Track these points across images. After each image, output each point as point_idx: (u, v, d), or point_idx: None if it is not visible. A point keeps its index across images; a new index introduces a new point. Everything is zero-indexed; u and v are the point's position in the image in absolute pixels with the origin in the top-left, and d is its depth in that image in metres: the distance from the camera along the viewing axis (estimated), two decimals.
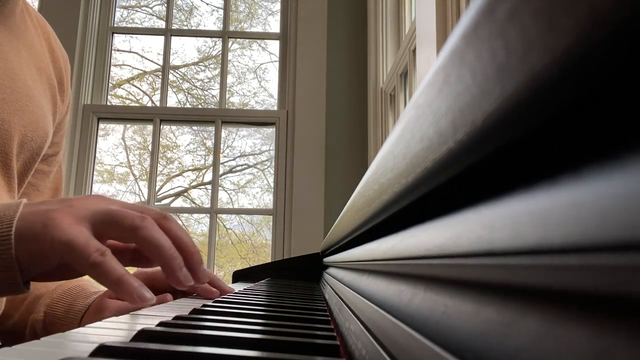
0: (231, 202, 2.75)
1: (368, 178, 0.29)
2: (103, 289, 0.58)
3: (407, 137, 0.17)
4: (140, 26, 2.63)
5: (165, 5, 2.41)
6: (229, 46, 2.48)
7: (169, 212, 2.58)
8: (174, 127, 2.64)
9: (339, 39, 2.16)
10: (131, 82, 2.86)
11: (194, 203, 2.80)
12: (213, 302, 0.48)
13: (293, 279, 1.07)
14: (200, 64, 2.76)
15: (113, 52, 2.36)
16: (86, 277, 0.47)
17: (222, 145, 2.37)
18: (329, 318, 0.41)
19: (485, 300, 0.11)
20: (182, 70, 2.77)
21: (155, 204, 2.42)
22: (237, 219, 2.92)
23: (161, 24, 2.55)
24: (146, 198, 2.24)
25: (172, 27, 2.41)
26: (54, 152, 0.67)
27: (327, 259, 0.85)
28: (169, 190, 2.88)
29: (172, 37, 2.40)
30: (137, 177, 2.81)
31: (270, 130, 2.33)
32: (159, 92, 2.40)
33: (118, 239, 0.44)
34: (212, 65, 2.72)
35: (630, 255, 0.06)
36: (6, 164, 0.56)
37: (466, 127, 0.11)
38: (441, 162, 0.13)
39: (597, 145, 0.08)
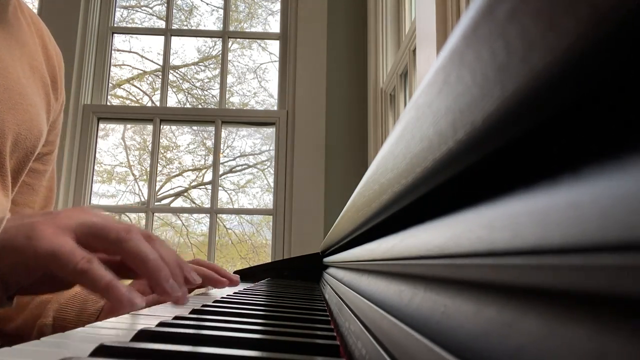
0: (231, 202, 2.75)
1: (368, 178, 0.29)
2: None
3: (407, 137, 0.17)
4: (140, 26, 2.63)
5: (165, 5, 2.41)
6: (229, 46, 2.48)
7: (169, 212, 2.58)
8: (174, 127, 2.64)
9: (339, 39, 2.16)
10: (131, 82, 2.86)
11: (194, 203, 2.80)
12: (213, 302, 0.48)
13: (293, 279, 1.07)
14: (200, 64, 2.76)
15: (113, 52, 2.36)
16: None
17: (222, 145, 2.37)
18: (329, 318, 0.41)
19: (485, 300, 0.11)
20: (182, 70, 2.77)
21: (155, 204, 2.42)
22: (237, 219, 2.92)
23: (161, 24, 2.55)
24: (146, 198, 2.24)
25: (172, 27, 2.41)
26: (49, 150, 0.67)
27: (327, 259, 0.85)
28: (168, 190, 2.88)
29: (172, 37, 2.40)
30: (137, 177, 2.82)
31: (270, 130, 2.34)
32: (159, 92, 2.40)
33: (102, 251, 0.43)
34: (212, 65, 2.72)
35: (630, 255, 0.06)
36: (0, 163, 0.56)
37: (466, 127, 0.11)
38: (441, 162, 0.13)
39: (597, 145, 0.08)
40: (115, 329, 0.34)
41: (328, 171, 2.04)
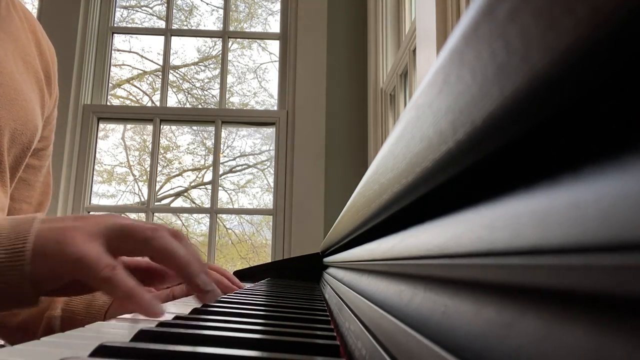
0: (231, 202, 2.75)
1: (368, 178, 0.29)
2: None
3: (407, 137, 0.17)
4: (140, 26, 2.63)
5: (165, 5, 2.41)
6: (229, 46, 2.48)
7: (169, 212, 2.58)
8: (174, 127, 2.64)
9: (339, 39, 2.16)
10: (131, 82, 2.86)
11: (194, 203, 2.80)
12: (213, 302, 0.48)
13: (293, 279, 1.07)
14: (200, 64, 2.76)
15: (113, 52, 2.36)
16: None
17: (222, 145, 2.37)
18: (329, 318, 0.41)
19: (485, 300, 0.11)
20: (182, 70, 2.77)
21: (155, 204, 2.42)
22: (237, 219, 2.92)
23: (161, 24, 2.55)
24: (146, 198, 2.24)
25: (172, 27, 2.41)
26: (44, 146, 0.67)
27: (327, 259, 0.85)
28: (168, 190, 2.88)
29: (172, 37, 2.40)
30: (137, 177, 2.82)
31: (270, 130, 2.34)
32: (159, 92, 2.40)
33: (132, 252, 0.44)
34: (212, 65, 2.72)
35: (630, 255, 0.06)
36: None
37: (466, 127, 0.11)
38: (441, 162, 0.13)
39: (597, 145, 0.08)
40: (115, 329, 0.34)
41: (328, 171, 2.04)
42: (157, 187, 2.54)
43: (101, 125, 2.28)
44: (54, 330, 0.59)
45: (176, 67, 2.73)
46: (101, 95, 2.23)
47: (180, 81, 2.79)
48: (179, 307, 0.51)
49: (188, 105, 2.72)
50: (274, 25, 2.54)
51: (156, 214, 2.22)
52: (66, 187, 2.05)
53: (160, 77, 2.35)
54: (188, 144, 2.68)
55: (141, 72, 2.77)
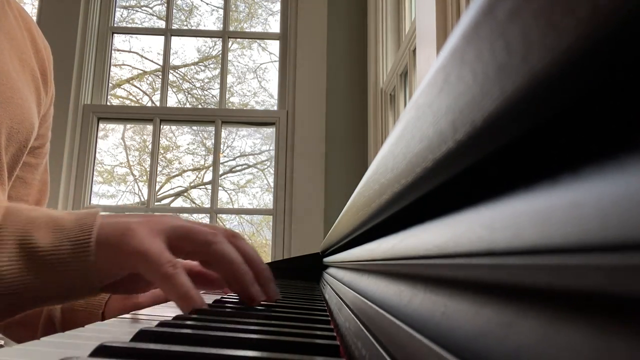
0: (231, 202, 2.75)
1: (368, 178, 0.29)
2: None
3: (407, 137, 0.17)
4: (140, 26, 2.63)
5: (165, 5, 2.41)
6: (229, 46, 2.48)
7: (169, 212, 2.58)
8: (174, 127, 2.64)
9: (339, 39, 2.16)
10: (131, 82, 2.86)
11: (194, 203, 2.80)
12: (213, 303, 0.48)
13: (293, 279, 1.07)
14: (200, 64, 2.76)
15: (113, 52, 2.36)
16: None
17: (222, 145, 2.37)
18: (329, 318, 0.41)
19: (485, 300, 0.11)
20: (182, 70, 2.77)
21: (155, 204, 2.42)
22: (237, 219, 2.92)
23: (161, 24, 2.55)
24: (146, 198, 2.24)
25: (172, 27, 2.41)
26: (40, 144, 0.67)
27: (327, 259, 0.85)
28: (168, 190, 2.88)
29: (172, 37, 2.40)
30: (137, 177, 2.82)
31: (270, 130, 2.34)
32: (159, 92, 2.40)
33: (190, 254, 0.45)
34: (212, 65, 2.72)
35: (630, 255, 0.06)
36: None
37: (466, 127, 0.11)
38: (441, 162, 0.13)
39: (597, 145, 0.08)
40: (115, 329, 0.34)
41: (328, 171, 2.04)
42: (157, 187, 2.54)
43: (101, 125, 2.28)
44: (54, 321, 0.59)
45: (176, 67, 2.73)
46: (101, 95, 2.23)
47: (180, 81, 2.79)
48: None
49: (188, 105, 2.72)
50: (274, 25, 2.54)
51: (155, 215, 2.22)
52: (66, 187, 2.05)
53: (160, 77, 2.35)
54: (188, 144, 2.68)
55: (141, 72, 2.77)
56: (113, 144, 2.72)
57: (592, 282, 0.07)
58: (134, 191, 2.78)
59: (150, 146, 2.25)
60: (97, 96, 2.21)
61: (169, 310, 0.47)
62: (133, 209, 2.54)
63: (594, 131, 0.09)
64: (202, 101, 2.78)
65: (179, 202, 2.86)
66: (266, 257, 2.74)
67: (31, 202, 0.67)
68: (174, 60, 2.71)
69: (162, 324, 0.31)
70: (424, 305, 0.16)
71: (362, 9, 2.17)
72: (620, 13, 0.06)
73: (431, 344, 0.13)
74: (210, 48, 2.72)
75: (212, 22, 2.64)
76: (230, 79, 2.51)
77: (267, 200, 2.55)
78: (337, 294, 0.47)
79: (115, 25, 2.35)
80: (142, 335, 0.26)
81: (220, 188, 2.47)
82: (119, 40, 2.58)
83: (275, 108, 2.28)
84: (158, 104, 2.35)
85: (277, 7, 2.44)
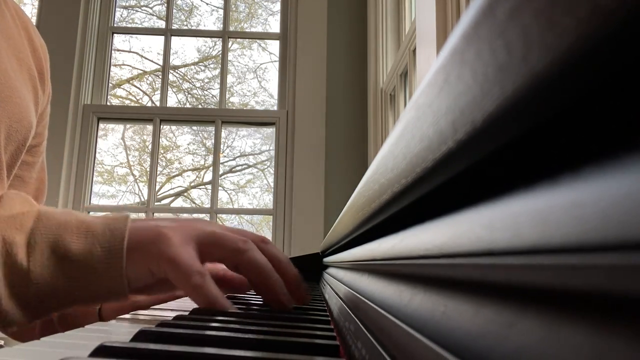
0: (231, 202, 2.75)
1: (368, 178, 0.29)
2: None
3: (407, 137, 0.17)
4: (140, 26, 2.63)
5: (165, 5, 2.41)
6: (229, 46, 2.48)
7: (169, 212, 2.58)
8: (174, 127, 2.64)
9: (339, 39, 2.16)
10: (131, 82, 2.86)
11: (194, 203, 2.80)
12: None
13: None
14: (200, 64, 2.76)
15: (113, 52, 2.36)
16: None
17: (222, 145, 2.37)
18: (329, 318, 0.41)
19: (485, 300, 0.11)
20: (182, 70, 2.77)
21: (155, 204, 2.42)
22: (237, 219, 2.92)
23: (161, 24, 2.55)
24: (146, 198, 2.24)
25: (172, 27, 2.41)
26: (38, 142, 0.67)
27: (327, 259, 0.85)
28: (168, 190, 2.88)
29: (172, 37, 2.40)
30: (137, 177, 2.82)
31: (270, 130, 2.34)
32: (159, 92, 2.40)
33: (220, 260, 0.46)
34: (212, 65, 2.72)
35: (630, 255, 0.06)
36: None
37: (466, 127, 0.11)
38: (441, 162, 0.13)
39: (597, 145, 0.08)
40: (115, 329, 0.34)
41: (328, 171, 2.04)
42: (157, 187, 2.53)
43: (101, 125, 2.28)
44: (52, 320, 0.59)
45: (176, 67, 2.74)
46: (101, 95, 2.23)
47: (180, 81, 2.79)
48: (179, 307, 0.51)
49: (188, 105, 2.72)
50: (274, 25, 2.54)
51: (156, 214, 2.22)
52: (66, 187, 2.05)
53: (160, 77, 2.35)
54: (188, 144, 2.68)
55: (141, 72, 2.77)
56: (113, 144, 2.72)
57: (592, 282, 0.07)
58: (134, 191, 2.78)
59: (150, 146, 2.25)
60: (97, 96, 2.21)
61: (169, 310, 0.47)
62: (133, 209, 2.54)
63: (594, 131, 0.09)
64: (202, 101, 2.78)
65: (179, 202, 2.86)
66: None
67: None
68: (174, 60, 2.71)
69: (162, 324, 0.31)
70: (424, 305, 0.16)
71: (362, 9, 2.17)
72: (620, 13, 0.06)
73: (431, 343, 0.13)
74: (210, 48, 2.72)
75: (212, 22, 2.64)
76: (230, 79, 2.51)
77: (267, 200, 2.55)
78: (337, 293, 0.47)
79: (115, 25, 2.35)
80: (142, 335, 0.26)
81: (220, 188, 2.47)
82: (119, 40, 2.58)
83: (275, 108, 2.28)
84: (158, 104, 2.35)
85: (277, 7, 2.44)
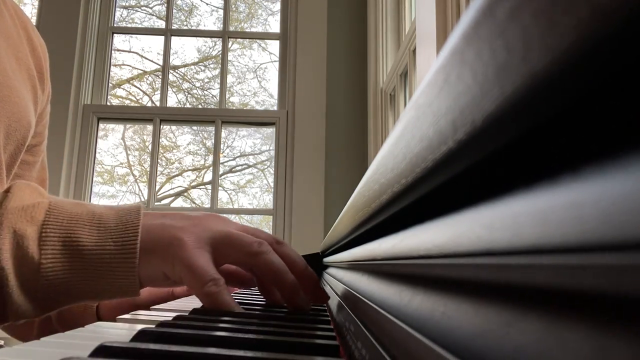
0: (231, 202, 2.75)
1: (368, 178, 0.29)
2: None
3: (407, 137, 0.17)
4: (140, 26, 2.63)
5: (165, 5, 2.41)
6: (229, 46, 2.48)
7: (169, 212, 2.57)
8: (174, 127, 2.64)
9: (339, 39, 2.16)
10: (131, 82, 2.86)
11: (194, 203, 2.80)
12: None
13: None
14: (200, 64, 2.76)
15: (113, 52, 2.36)
16: None
17: (222, 145, 2.37)
18: (329, 318, 0.41)
19: (485, 300, 0.11)
20: (182, 70, 2.77)
21: (155, 204, 2.42)
22: (237, 219, 2.92)
23: (161, 24, 2.55)
24: (146, 198, 2.24)
25: (172, 27, 2.41)
26: (38, 142, 0.67)
27: (327, 259, 0.85)
28: (168, 190, 2.88)
29: (172, 37, 2.40)
30: (137, 177, 2.82)
31: (270, 130, 2.34)
32: (159, 92, 2.40)
33: (235, 262, 0.45)
34: (212, 65, 2.72)
35: (630, 255, 0.06)
36: None
37: (466, 126, 0.11)
38: (441, 162, 0.13)
39: (597, 145, 0.08)
40: (115, 329, 0.34)
41: (328, 171, 2.04)
42: (157, 187, 2.53)
43: (101, 125, 2.28)
44: (50, 318, 0.59)
45: (176, 67, 2.73)
46: (101, 95, 2.23)
47: (180, 81, 2.79)
48: (179, 307, 0.51)
49: (188, 105, 2.72)
50: (274, 25, 2.54)
51: None
52: (66, 187, 2.05)
53: (160, 77, 2.35)
54: (188, 144, 2.68)
55: (141, 72, 2.77)
56: (113, 144, 2.72)
57: (592, 282, 0.07)
58: (134, 191, 2.78)
59: (150, 146, 2.25)
60: (97, 96, 2.21)
61: (169, 310, 0.47)
62: None
63: (594, 131, 0.09)
64: (202, 101, 2.78)
65: (179, 202, 2.86)
66: None
67: None
68: (174, 60, 2.71)
69: (162, 324, 0.31)
70: (424, 305, 0.16)
71: (362, 9, 2.17)
72: (620, 13, 0.06)
73: (431, 343, 0.13)
74: (210, 48, 2.72)
75: (212, 22, 2.64)
76: (230, 79, 2.51)
77: (267, 200, 2.55)
78: (337, 293, 0.47)
79: (115, 25, 2.35)
80: (143, 335, 0.26)
81: (220, 188, 2.47)
82: (119, 40, 2.58)
83: (275, 108, 2.28)
84: (158, 104, 2.35)
85: (277, 7, 2.44)
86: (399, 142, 0.19)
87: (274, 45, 2.48)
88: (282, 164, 2.11)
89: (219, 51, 2.53)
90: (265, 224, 2.79)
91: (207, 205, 2.36)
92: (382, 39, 1.96)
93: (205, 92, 2.76)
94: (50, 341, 0.27)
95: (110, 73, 2.31)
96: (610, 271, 0.06)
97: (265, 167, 2.54)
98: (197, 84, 2.78)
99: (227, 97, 2.35)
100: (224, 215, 0.54)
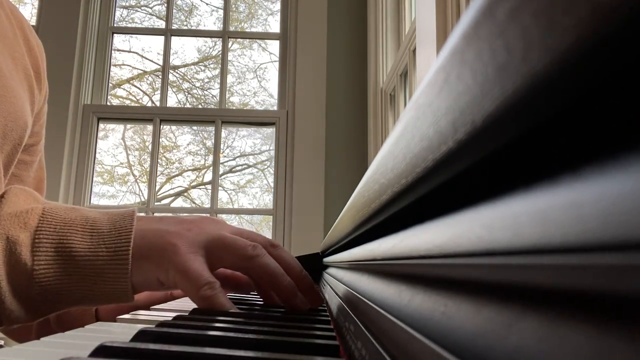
0: (231, 202, 2.75)
1: (368, 178, 0.29)
2: None
3: (407, 137, 0.17)
4: (140, 26, 2.63)
5: (165, 5, 2.41)
6: (229, 46, 2.48)
7: (169, 212, 2.58)
8: (174, 127, 2.64)
9: (339, 39, 2.16)
10: (131, 82, 2.86)
11: (194, 203, 2.80)
12: None
13: None
14: (200, 64, 2.76)
15: (113, 52, 2.36)
16: None
17: (222, 145, 2.37)
18: (329, 318, 0.41)
19: (485, 300, 0.11)
20: (182, 70, 2.77)
21: (155, 204, 2.42)
22: (237, 219, 2.92)
23: (161, 24, 2.55)
24: (146, 198, 2.24)
25: (172, 27, 2.41)
26: (35, 141, 0.67)
27: (327, 259, 0.85)
28: (169, 190, 2.88)
29: (172, 37, 2.40)
30: (137, 177, 2.81)
31: (270, 130, 2.33)
32: (159, 92, 2.40)
33: (230, 266, 0.45)
34: (212, 65, 2.72)
35: (631, 255, 0.06)
36: None
37: (466, 126, 0.11)
38: (441, 162, 0.13)
39: (597, 145, 0.08)
40: (115, 329, 0.34)
41: (328, 171, 2.04)
42: (157, 187, 2.53)
43: (101, 125, 2.28)
44: (49, 320, 0.59)
45: (176, 67, 2.73)
46: (101, 95, 2.23)
47: (180, 81, 2.79)
48: (178, 307, 0.51)
49: (188, 105, 2.72)
50: (274, 25, 2.54)
51: (156, 214, 2.22)
52: (66, 187, 2.05)
53: (160, 77, 2.35)
54: (188, 144, 2.68)
55: (141, 72, 2.77)
56: (113, 144, 2.72)
57: (592, 282, 0.07)
58: (134, 191, 2.78)
59: (150, 146, 2.25)
60: (97, 96, 2.21)
61: (169, 310, 0.47)
62: None
63: (594, 131, 0.09)
64: (202, 101, 2.78)
65: (179, 202, 2.86)
66: None
67: None
68: (174, 60, 2.71)
69: (162, 324, 0.31)
70: (424, 305, 0.16)
71: (362, 9, 2.17)
72: (621, 13, 0.06)
73: (431, 343, 0.13)
74: (210, 48, 2.72)
75: (212, 22, 2.64)
76: (230, 79, 2.51)
77: (267, 200, 2.55)
78: (337, 293, 0.46)
79: (115, 25, 2.35)
80: (142, 335, 0.26)
81: (220, 188, 2.47)
82: (118, 40, 2.58)
83: (275, 108, 2.28)
84: (158, 104, 2.35)
85: (277, 7, 2.44)
86: (399, 142, 0.19)
87: (274, 45, 2.48)
88: (282, 164, 2.11)
89: (219, 51, 2.53)
90: (265, 224, 2.79)
91: (207, 206, 2.36)
92: (382, 39, 1.96)
93: (205, 92, 2.76)
94: (50, 341, 0.27)
95: (110, 73, 2.31)
96: (610, 271, 0.06)
97: (265, 167, 2.54)
98: (197, 84, 2.78)
99: (227, 97, 2.35)
100: (224, 215, 0.54)
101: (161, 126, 2.27)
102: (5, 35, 0.61)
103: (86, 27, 2.18)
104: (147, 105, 2.75)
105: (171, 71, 2.66)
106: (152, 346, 0.23)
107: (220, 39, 2.41)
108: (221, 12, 2.48)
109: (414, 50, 1.52)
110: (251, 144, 2.51)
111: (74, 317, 0.60)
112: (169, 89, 2.62)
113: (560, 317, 0.08)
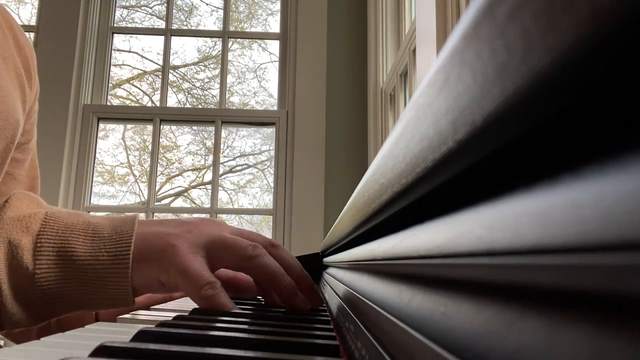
0: (231, 202, 2.75)
1: (368, 178, 0.29)
2: None
3: (407, 137, 0.17)
4: (140, 26, 2.63)
5: (165, 5, 2.41)
6: (229, 46, 2.48)
7: (169, 212, 2.58)
8: (174, 127, 2.64)
9: (339, 39, 2.16)
10: (131, 82, 2.86)
11: (194, 203, 2.80)
12: None
13: None
14: (200, 64, 2.76)
15: (113, 52, 2.36)
16: None
17: (222, 145, 2.37)
18: (329, 318, 0.41)
19: (485, 300, 0.11)
20: (182, 70, 2.77)
21: (155, 204, 2.42)
22: (237, 219, 2.92)
23: (161, 24, 2.55)
24: (146, 198, 2.24)
25: (172, 27, 2.41)
26: (26, 140, 0.67)
27: (327, 259, 0.85)
28: (169, 190, 2.88)
29: (172, 37, 2.40)
30: (137, 177, 2.82)
31: (270, 130, 2.33)
32: (159, 92, 2.40)
33: (230, 266, 0.45)
34: (212, 65, 2.72)
35: (630, 255, 0.06)
36: None
37: (466, 126, 0.11)
38: (441, 162, 0.13)
39: (597, 145, 0.08)
40: (115, 329, 0.34)
41: (328, 171, 2.04)
42: (157, 187, 2.54)
43: (101, 125, 2.28)
44: (49, 323, 0.59)
45: (176, 67, 2.73)
46: (101, 95, 2.23)
47: (180, 81, 2.79)
48: (178, 307, 0.51)
49: (188, 105, 2.72)
50: (274, 25, 2.54)
51: (156, 214, 2.22)
52: (66, 187, 2.05)
53: (160, 77, 2.35)
54: (188, 144, 2.68)
55: (141, 72, 2.77)
56: (113, 144, 2.72)
57: (592, 282, 0.07)
58: (135, 191, 2.78)
59: (150, 146, 2.25)
60: (97, 96, 2.21)
61: (169, 310, 0.47)
62: (133, 209, 2.54)
63: (594, 131, 0.09)
64: (202, 101, 2.78)
65: (179, 202, 2.86)
66: None
67: None
68: (174, 60, 2.71)
69: (162, 324, 0.31)
70: (424, 305, 0.16)
71: (362, 9, 2.17)
72: (621, 13, 0.06)
73: (431, 343, 0.13)
74: (210, 48, 2.72)
75: (212, 22, 2.64)
76: (230, 79, 2.51)
77: (267, 200, 2.55)
78: (337, 293, 0.46)
79: (115, 25, 2.35)
80: (142, 335, 0.26)
81: (220, 188, 2.47)
82: (118, 40, 2.58)
83: (275, 108, 2.28)
84: (158, 104, 2.35)
85: (277, 7, 2.44)
86: (399, 142, 0.19)
87: (274, 45, 2.48)
88: (282, 164, 2.11)
89: (219, 51, 2.53)
90: (265, 224, 2.79)
91: (207, 206, 2.36)
92: (382, 39, 1.96)
93: (205, 92, 2.76)
94: (50, 341, 0.27)
95: (110, 73, 2.31)
96: (610, 271, 0.06)
97: (265, 167, 2.54)
98: (197, 84, 2.78)
99: (227, 97, 2.35)
100: (224, 215, 0.54)
101: (161, 126, 2.27)
102: None
103: (86, 27, 2.18)
104: (147, 105, 2.75)
105: (171, 71, 2.66)
106: (152, 346, 0.23)
107: (220, 39, 2.41)
108: (221, 12, 2.48)
109: (414, 50, 1.52)
110: (251, 144, 2.51)
111: (74, 319, 0.60)
112: (169, 89, 2.62)
113: (560, 318, 0.08)
